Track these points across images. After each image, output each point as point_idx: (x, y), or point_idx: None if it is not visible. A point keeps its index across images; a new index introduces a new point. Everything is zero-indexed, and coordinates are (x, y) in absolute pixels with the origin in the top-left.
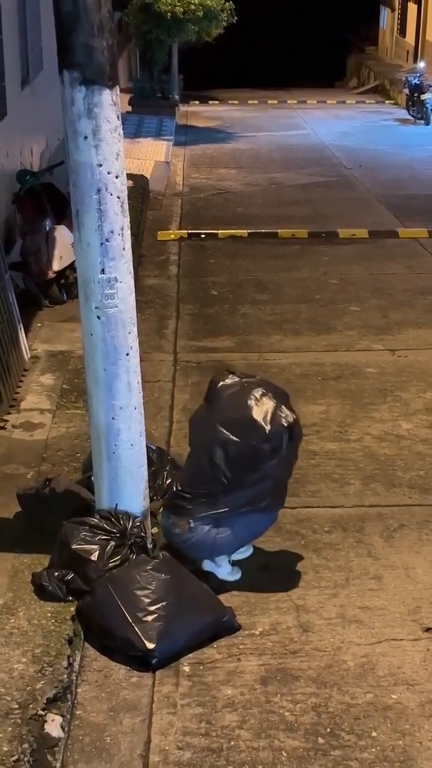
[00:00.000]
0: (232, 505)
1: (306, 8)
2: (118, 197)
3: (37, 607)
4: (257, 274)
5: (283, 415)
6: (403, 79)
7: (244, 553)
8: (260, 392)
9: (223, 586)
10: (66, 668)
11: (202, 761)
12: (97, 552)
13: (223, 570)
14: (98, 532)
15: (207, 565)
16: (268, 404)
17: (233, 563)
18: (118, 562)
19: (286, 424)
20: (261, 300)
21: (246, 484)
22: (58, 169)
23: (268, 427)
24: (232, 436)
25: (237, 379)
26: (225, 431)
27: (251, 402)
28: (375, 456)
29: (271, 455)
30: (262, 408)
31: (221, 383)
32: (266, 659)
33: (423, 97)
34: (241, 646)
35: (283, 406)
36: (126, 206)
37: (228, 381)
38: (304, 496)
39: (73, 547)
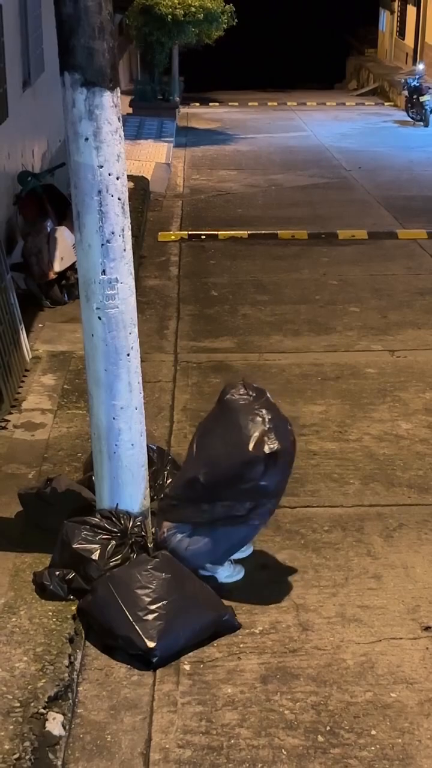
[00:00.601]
0: (208, 519)
1: (305, 11)
2: (119, 198)
3: (39, 606)
4: (257, 275)
5: (268, 442)
6: (402, 81)
7: (244, 552)
8: (259, 414)
9: (223, 585)
10: (67, 667)
11: (202, 759)
12: (98, 551)
13: (222, 573)
14: (99, 531)
15: (203, 571)
16: (259, 428)
17: (235, 562)
18: (119, 562)
19: (267, 451)
20: (261, 301)
21: (224, 502)
22: (60, 171)
23: (249, 453)
24: (219, 454)
25: (245, 394)
26: (215, 447)
27: (245, 423)
28: (374, 456)
29: (249, 479)
30: (252, 431)
31: (228, 395)
32: (266, 658)
33: (422, 99)
34: (241, 645)
35: (272, 433)
36: (127, 207)
37: (235, 395)
38: (303, 495)
39: (74, 546)
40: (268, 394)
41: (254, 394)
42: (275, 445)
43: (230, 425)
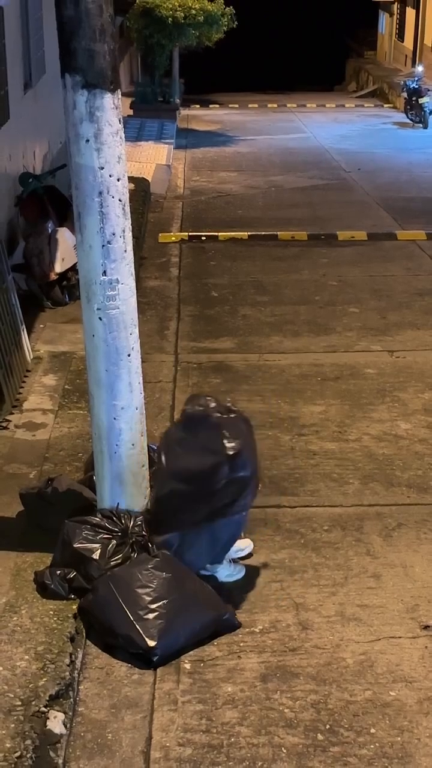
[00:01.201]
0: (187, 525)
1: (305, 13)
2: (120, 200)
3: (40, 605)
4: (257, 276)
5: (228, 444)
6: (402, 83)
7: (244, 551)
8: (214, 418)
9: (223, 585)
10: (68, 665)
11: (202, 757)
12: (99, 551)
13: (222, 572)
14: (100, 531)
15: (203, 570)
16: (218, 432)
17: (235, 561)
18: (119, 561)
19: (231, 453)
20: (261, 301)
21: (205, 503)
22: (61, 172)
23: (214, 457)
24: (188, 462)
25: (205, 405)
26: (183, 457)
27: (205, 429)
28: (374, 456)
29: (220, 479)
30: (212, 436)
31: (188, 407)
32: (266, 657)
33: (421, 101)
34: (241, 644)
35: (228, 432)
36: (127, 209)
37: (195, 407)
38: (303, 495)
39: (75, 545)
40: (218, 402)
41: (215, 402)
42: (234, 444)
43: (192, 434)
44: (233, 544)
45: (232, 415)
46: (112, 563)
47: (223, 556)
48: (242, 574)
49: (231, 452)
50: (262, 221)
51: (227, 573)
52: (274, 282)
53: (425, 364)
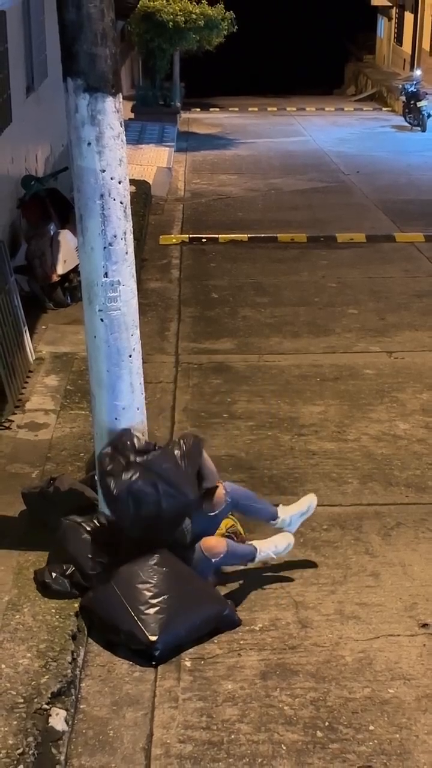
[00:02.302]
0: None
1: (305, 17)
2: (121, 202)
3: (42, 603)
4: (257, 278)
5: (112, 461)
6: (400, 86)
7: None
8: (103, 455)
9: (223, 582)
10: (70, 663)
11: (203, 754)
12: (93, 552)
13: (277, 550)
14: (94, 535)
15: (260, 557)
16: (102, 462)
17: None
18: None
19: (131, 461)
20: (261, 303)
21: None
22: (63, 175)
23: (102, 474)
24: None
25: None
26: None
27: (105, 468)
28: (372, 456)
29: (126, 490)
30: (100, 468)
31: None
32: (266, 654)
33: (419, 104)
34: (241, 642)
35: (111, 449)
36: (129, 211)
37: (106, 451)
38: (303, 494)
39: (71, 545)
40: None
41: (132, 444)
42: (115, 464)
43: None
44: (232, 557)
45: (139, 455)
46: (107, 563)
47: (220, 565)
48: (291, 541)
49: (111, 493)
50: (261, 223)
51: (281, 549)
52: (274, 283)
53: (423, 365)
